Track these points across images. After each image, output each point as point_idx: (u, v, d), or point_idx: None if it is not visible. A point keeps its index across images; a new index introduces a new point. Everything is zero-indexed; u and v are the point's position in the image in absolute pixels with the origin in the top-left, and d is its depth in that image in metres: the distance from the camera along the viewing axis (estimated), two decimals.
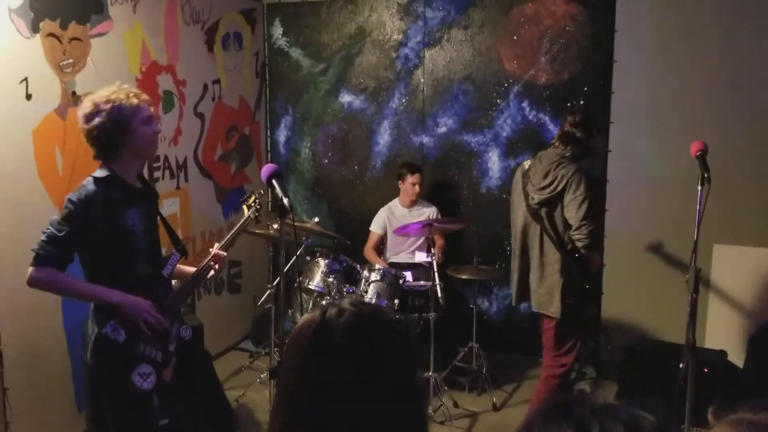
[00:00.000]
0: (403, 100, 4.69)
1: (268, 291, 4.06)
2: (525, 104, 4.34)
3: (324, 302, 3.82)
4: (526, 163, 3.20)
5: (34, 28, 3.06)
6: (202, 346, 2.70)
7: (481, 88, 4.46)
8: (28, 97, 3.05)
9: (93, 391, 2.34)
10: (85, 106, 2.24)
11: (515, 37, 4.32)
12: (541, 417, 0.77)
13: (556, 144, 3.12)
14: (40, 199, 3.15)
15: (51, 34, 3.15)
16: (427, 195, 4.55)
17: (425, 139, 4.67)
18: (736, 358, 3.50)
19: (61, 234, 2.16)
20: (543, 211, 3.04)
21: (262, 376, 4.08)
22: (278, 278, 2.79)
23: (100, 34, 3.45)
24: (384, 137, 4.80)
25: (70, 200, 2.20)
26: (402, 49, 4.65)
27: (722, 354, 3.41)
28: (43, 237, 2.18)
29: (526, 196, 3.10)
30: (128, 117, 2.23)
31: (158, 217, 2.48)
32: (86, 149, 3.39)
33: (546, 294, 3.08)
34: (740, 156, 3.77)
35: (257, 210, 2.69)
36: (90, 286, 2.25)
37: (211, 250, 2.56)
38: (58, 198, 3.24)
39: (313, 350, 1.02)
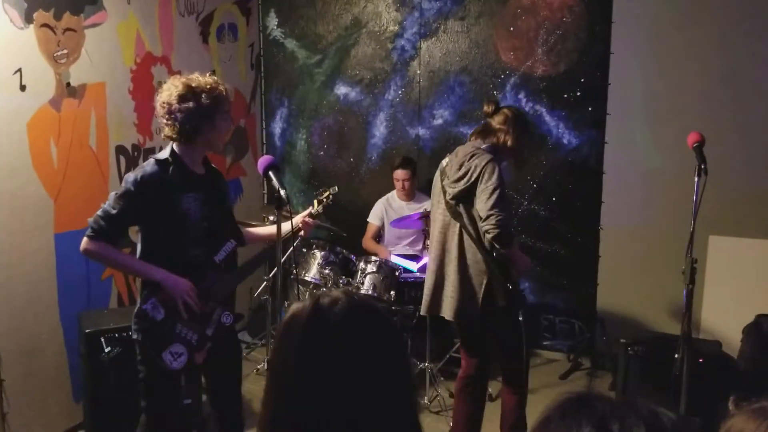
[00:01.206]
0: (399, 92, 4.68)
1: (264, 283, 4.06)
2: (521, 96, 4.33)
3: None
4: (444, 161, 2.99)
5: (28, 19, 3.04)
6: (237, 339, 2.74)
7: (477, 80, 4.45)
8: (22, 88, 3.03)
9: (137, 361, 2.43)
10: (177, 86, 2.26)
11: (512, 29, 4.30)
12: (560, 413, 0.75)
13: (472, 138, 2.93)
14: (35, 191, 3.13)
15: (45, 25, 3.12)
16: (423, 188, 4.54)
17: (421, 131, 4.66)
18: (731, 348, 3.51)
19: (114, 211, 2.24)
20: (461, 207, 2.82)
21: (258, 367, 4.09)
22: (275, 270, 2.81)
23: (94, 25, 3.42)
24: (380, 129, 4.78)
25: (127, 179, 2.27)
26: (398, 40, 4.63)
27: (717, 345, 3.42)
28: (99, 212, 2.26)
29: (444, 193, 2.90)
30: (215, 108, 2.28)
31: (225, 203, 2.54)
32: (80, 141, 3.41)
33: (467, 298, 2.81)
34: (736, 147, 3.77)
35: (326, 207, 2.84)
36: (137, 262, 2.34)
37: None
38: (53, 190, 3.23)
39: (306, 339, 1.01)
